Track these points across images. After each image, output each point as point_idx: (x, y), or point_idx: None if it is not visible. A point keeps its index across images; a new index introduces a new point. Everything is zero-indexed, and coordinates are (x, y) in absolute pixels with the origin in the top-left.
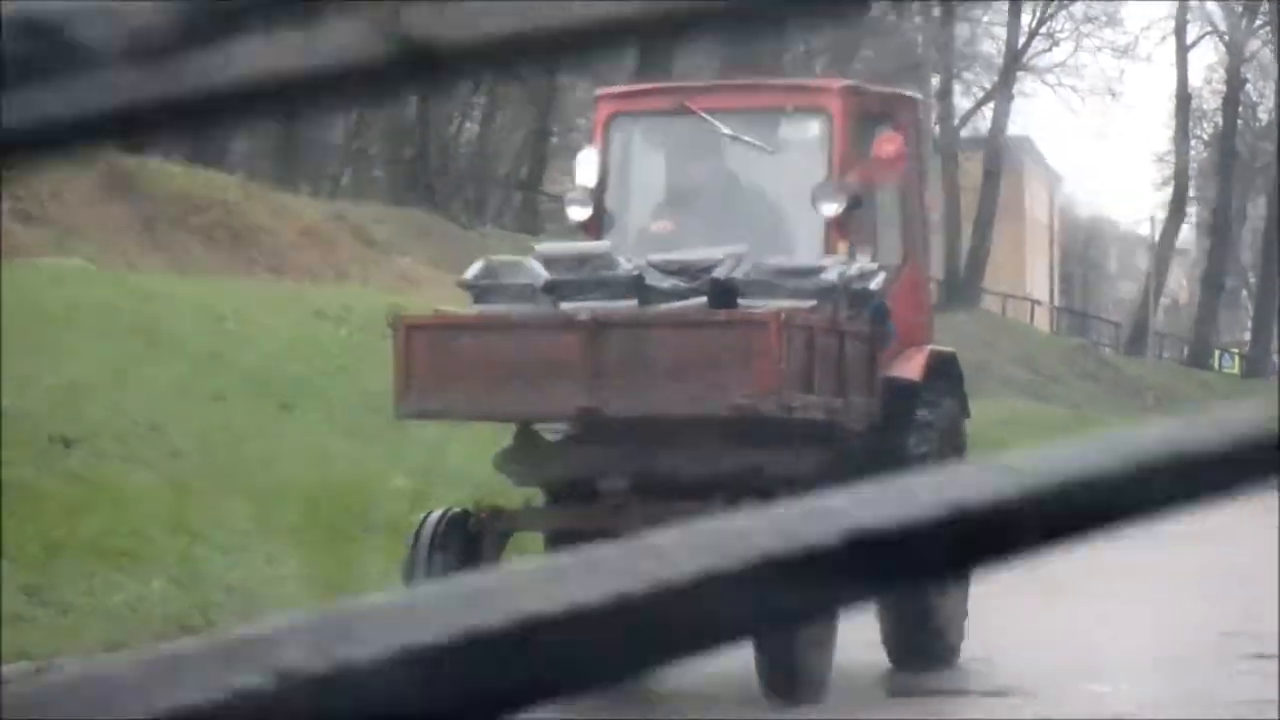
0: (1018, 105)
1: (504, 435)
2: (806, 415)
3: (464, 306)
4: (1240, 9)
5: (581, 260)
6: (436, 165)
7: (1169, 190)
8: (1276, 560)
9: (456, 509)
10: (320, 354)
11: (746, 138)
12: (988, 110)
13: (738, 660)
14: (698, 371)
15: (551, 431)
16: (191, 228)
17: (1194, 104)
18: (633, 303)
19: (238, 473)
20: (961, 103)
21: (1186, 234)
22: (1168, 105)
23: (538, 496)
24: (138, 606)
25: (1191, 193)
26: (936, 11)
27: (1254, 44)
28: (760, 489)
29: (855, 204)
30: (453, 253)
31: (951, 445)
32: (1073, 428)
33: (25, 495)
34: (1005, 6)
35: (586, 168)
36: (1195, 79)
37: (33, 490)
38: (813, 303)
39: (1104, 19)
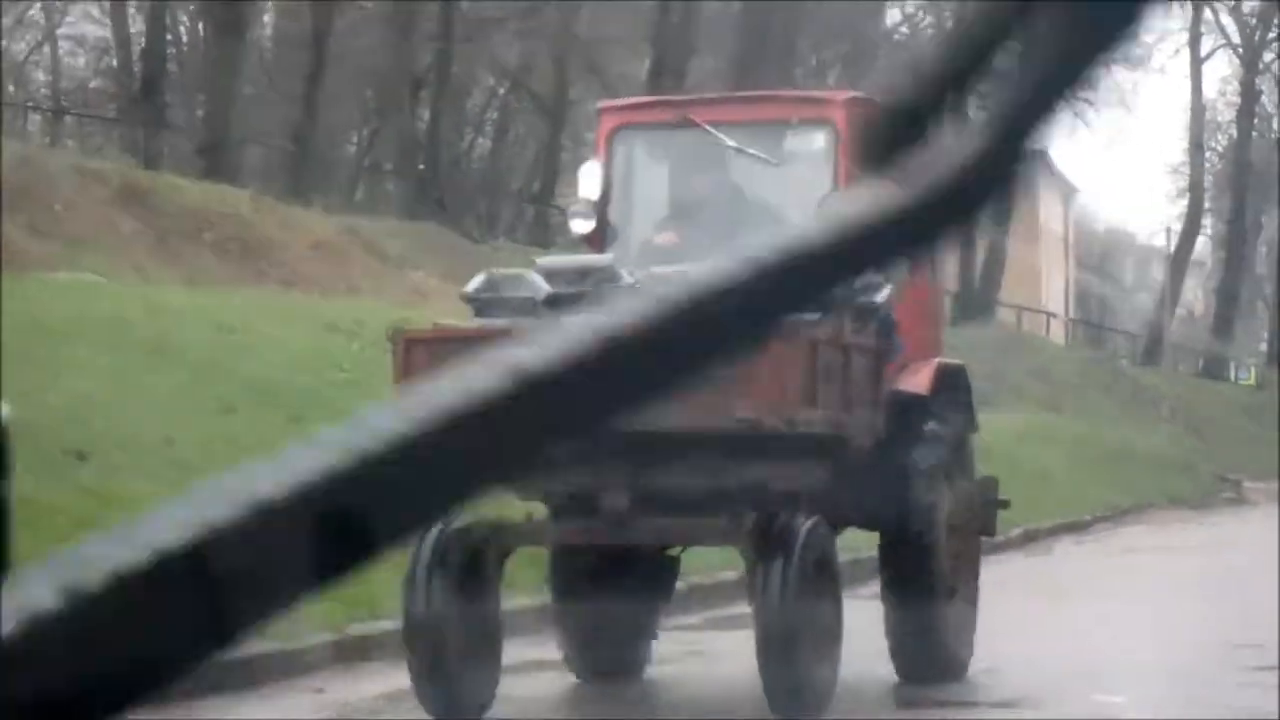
0: None
1: None
2: (810, 429)
3: (466, 320)
4: (1254, 21)
5: (583, 273)
6: (448, 179)
7: (1184, 202)
8: (1277, 568)
9: (457, 524)
10: (331, 367)
11: (751, 150)
12: None
13: (742, 673)
14: (701, 385)
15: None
16: (203, 241)
17: (1208, 116)
18: None
19: None
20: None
21: (1202, 246)
22: (1182, 117)
23: (540, 511)
24: None
25: (1206, 205)
26: (949, 25)
27: (1268, 56)
28: (763, 504)
29: None
30: (465, 267)
31: (959, 459)
32: (1089, 440)
33: (37, 508)
34: None
35: (589, 180)
36: (1210, 91)
37: (44, 503)
38: (817, 316)
39: None
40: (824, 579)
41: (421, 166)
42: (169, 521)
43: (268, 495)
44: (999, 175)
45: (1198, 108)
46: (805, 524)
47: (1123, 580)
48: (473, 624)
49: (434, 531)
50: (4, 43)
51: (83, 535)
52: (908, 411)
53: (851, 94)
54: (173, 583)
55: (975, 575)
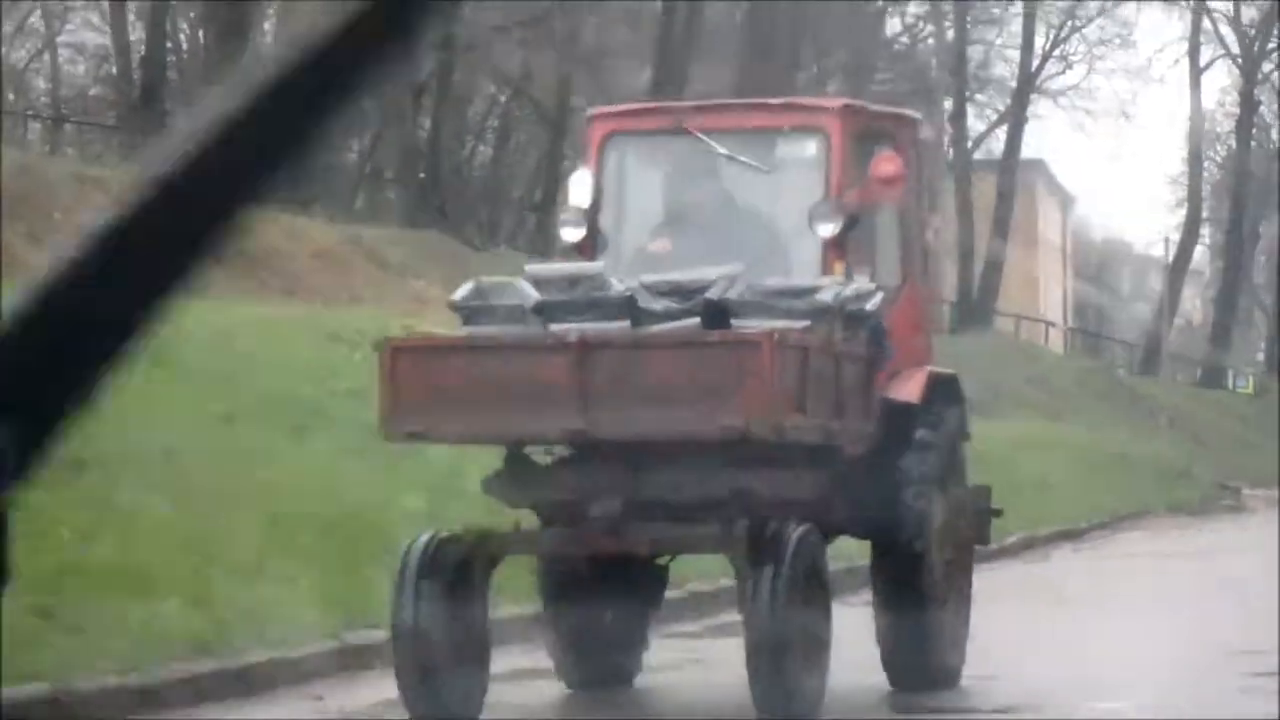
0: (1031, 128)
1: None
2: (800, 437)
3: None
4: (1254, 32)
5: (573, 281)
6: (450, 187)
7: (1183, 211)
8: (1276, 575)
9: (445, 533)
10: (333, 376)
11: (743, 158)
12: (1001, 132)
13: (737, 681)
14: (689, 393)
15: (542, 454)
16: None
17: (1207, 126)
18: (625, 324)
19: (250, 495)
20: (975, 125)
21: (1200, 255)
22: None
23: (529, 520)
24: (151, 629)
25: (1205, 214)
26: (950, 34)
27: (1267, 66)
28: (755, 512)
29: (852, 224)
30: (466, 274)
31: (951, 467)
32: (1087, 447)
33: (38, 518)
34: (1019, 29)
35: (580, 188)
36: (1209, 101)
37: (45, 513)
38: (807, 323)
39: (1118, 41)
40: (814, 587)
41: (422, 175)
42: None
43: None
44: None
45: (1197, 117)
46: (796, 532)
47: (1121, 587)
48: (460, 632)
49: (422, 540)
50: (4, 50)
51: (82, 545)
52: (899, 419)
53: (843, 101)
54: None
55: (968, 584)
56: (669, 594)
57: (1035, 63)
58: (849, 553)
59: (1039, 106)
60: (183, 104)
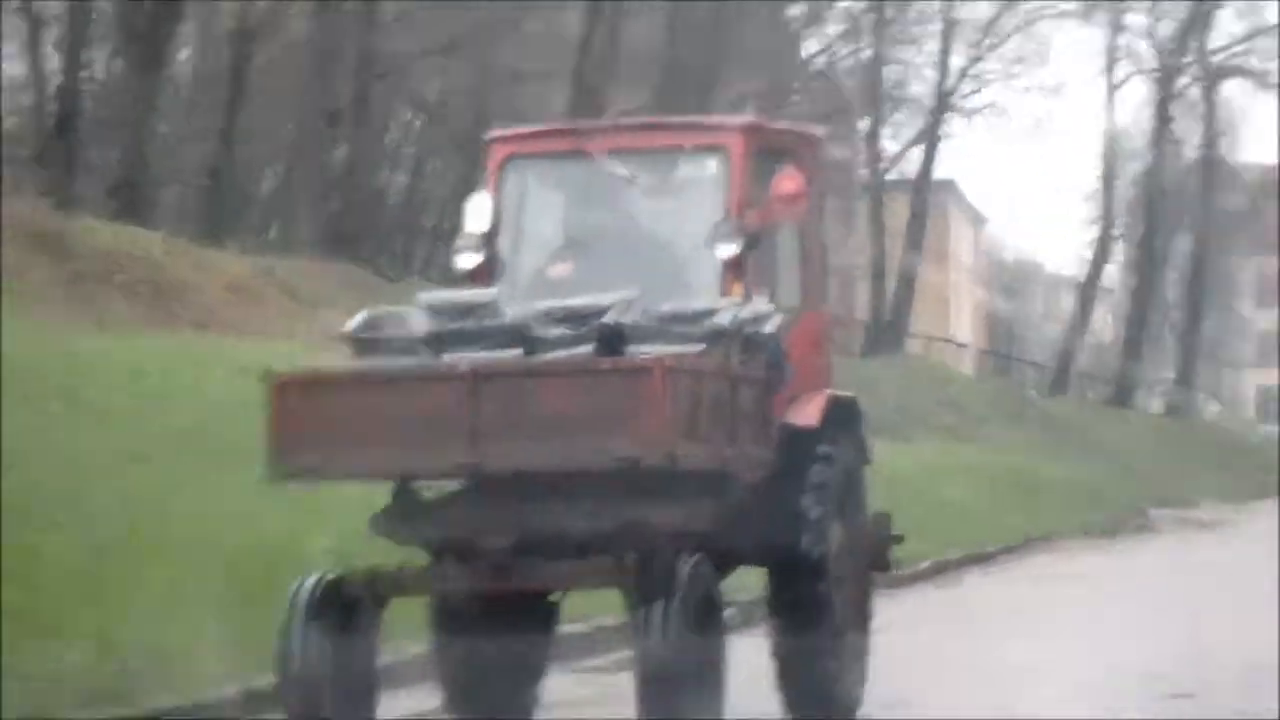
0: (945, 147)
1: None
2: (695, 465)
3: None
4: (1170, 47)
5: (466, 310)
6: (364, 216)
7: (1096, 229)
8: (1183, 598)
9: (331, 574)
10: (244, 412)
11: (644, 178)
12: (916, 153)
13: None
14: (580, 423)
15: (430, 490)
16: (115, 284)
17: (1122, 143)
18: (517, 352)
19: (160, 536)
20: (890, 145)
21: (1112, 273)
22: (1096, 145)
23: (417, 558)
24: (57, 676)
25: (1119, 231)
26: (867, 54)
27: (1182, 80)
28: (647, 543)
29: (752, 244)
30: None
31: (850, 492)
32: (997, 470)
33: None
34: (936, 48)
35: (478, 213)
36: (1124, 118)
37: None
38: (703, 347)
39: (1035, 59)
40: (707, 618)
41: (335, 206)
42: None
43: None
44: None
45: (1111, 134)
46: (688, 563)
47: (1032, 609)
48: (348, 676)
49: (309, 581)
50: None
51: None
52: (797, 445)
53: (744, 120)
54: None
55: (867, 611)
56: (578, 628)
57: (951, 82)
58: (754, 585)
59: (954, 125)
60: (97, 136)
